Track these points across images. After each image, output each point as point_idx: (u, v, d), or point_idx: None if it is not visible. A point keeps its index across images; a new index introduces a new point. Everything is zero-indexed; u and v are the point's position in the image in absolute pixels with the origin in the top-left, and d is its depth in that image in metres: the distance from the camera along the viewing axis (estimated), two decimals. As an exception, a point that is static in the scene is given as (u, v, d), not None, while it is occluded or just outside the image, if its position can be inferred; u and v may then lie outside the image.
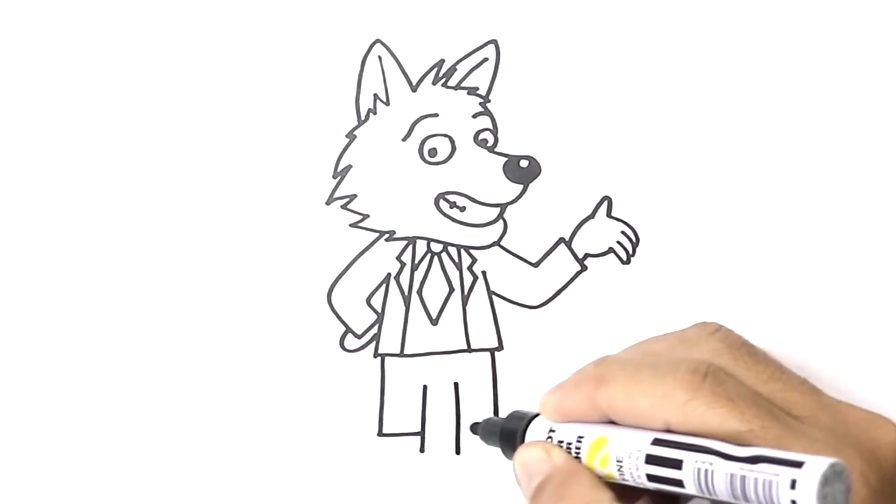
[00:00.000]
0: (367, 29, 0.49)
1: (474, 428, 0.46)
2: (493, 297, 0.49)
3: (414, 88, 0.49)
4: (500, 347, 0.48)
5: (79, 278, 0.48)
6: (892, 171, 0.49)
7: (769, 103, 0.49)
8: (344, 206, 0.49)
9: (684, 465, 0.34)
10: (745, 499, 0.32)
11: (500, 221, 0.49)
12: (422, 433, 0.48)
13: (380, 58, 0.49)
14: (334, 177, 0.49)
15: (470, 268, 0.49)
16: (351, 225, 0.49)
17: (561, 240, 0.49)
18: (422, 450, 0.48)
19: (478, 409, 0.48)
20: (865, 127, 0.49)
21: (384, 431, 0.48)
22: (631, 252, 0.48)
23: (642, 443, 0.35)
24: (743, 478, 0.32)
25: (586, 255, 0.48)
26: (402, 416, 0.48)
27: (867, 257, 0.48)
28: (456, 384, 0.48)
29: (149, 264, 0.48)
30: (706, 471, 0.33)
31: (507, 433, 0.41)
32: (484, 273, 0.49)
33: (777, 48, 0.49)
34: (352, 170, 0.49)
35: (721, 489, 0.33)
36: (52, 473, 0.48)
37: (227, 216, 0.48)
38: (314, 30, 0.49)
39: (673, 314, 0.48)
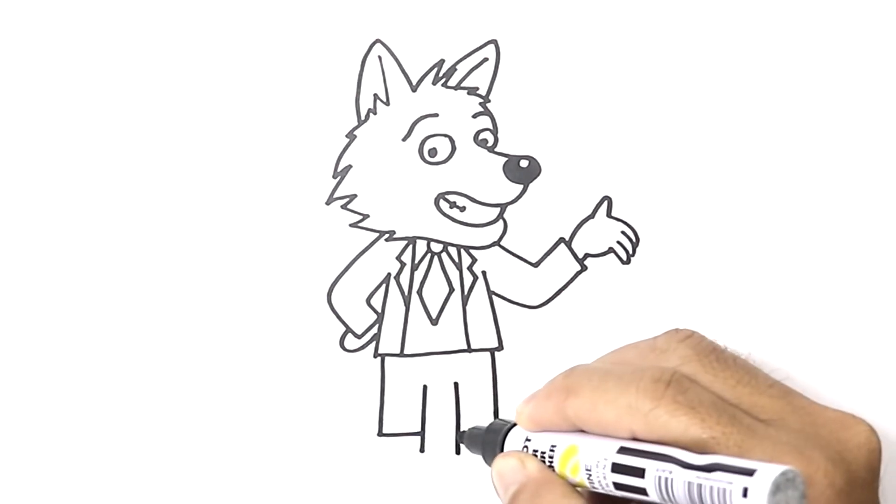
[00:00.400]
0: (367, 29, 0.49)
1: (460, 437, 0.46)
2: (493, 297, 0.49)
3: (414, 88, 0.49)
4: (500, 347, 0.48)
5: (79, 278, 0.48)
6: (892, 172, 0.48)
7: (769, 103, 0.49)
8: (344, 206, 0.49)
9: (646, 474, 0.34)
10: None
11: (500, 221, 0.49)
12: (422, 433, 0.48)
13: (380, 58, 0.49)
14: (334, 177, 0.49)
15: (470, 268, 0.49)
16: (351, 225, 0.49)
17: (561, 240, 0.49)
18: (422, 450, 0.48)
19: (478, 409, 0.48)
20: (865, 127, 0.49)
21: (384, 431, 0.48)
22: (631, 252, 0.48)
23: (608, 451, 0.36)
24: (699, 486, 0.32)
25: (586, 255, 0.48)
26: (402, 416, 0.48)
27: (868, 256, 0.48)
28: (456, 384, 0.48)
29: (149, 264, 0.48)
30: (666, 479, 0.33)
31: (488, 442, 0.42)
32: (484, 273, 0.49)
33: (777, 48, 0.49)
34: (352, 170, 0.49)
35: (680, 497, 0.33)
36: (52, 473, 0.48)
37: (228, 216, 0.48)
38: (314, 30, 0.49)
39: (673, 314, 0.48)
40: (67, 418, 0.48)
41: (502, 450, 0.41)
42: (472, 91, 0.49)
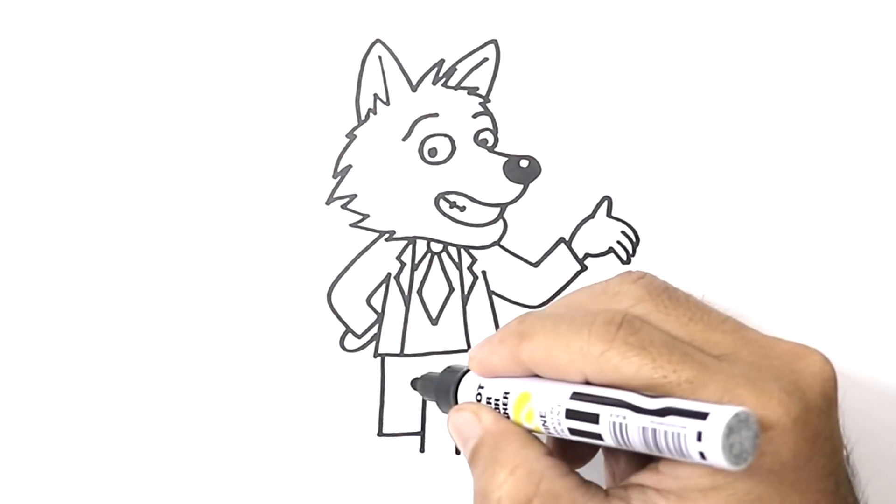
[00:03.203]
0: (367, 29, 0.49)
1: (414, 383, 0.45)
2: (493, 297, 0.49)
3: (414, 88, 0.49)
4: (500, 347, 0.48)
5: (79, 278, 0.48)
6: (892, 172, 0.49)
7: (769, 103, 0.49)
8: (344, 206, 0.49)
9: (601, 420, 0.33)
10: (659, 450, 0.32)
11: (500, 221, 0.49)
12: (422, 433, 0.48)
13: (380, 58, 0.49)
14: (334, 177, 0.49)
15: (470, 268, 0.49)
16: (351, 225, 0.49)
17: (561, 240, 0.49)
18: (422, 450, 0.48)
19: (478, 409, 0.48)
20: (865, 127, 0.49)
21: (384, 431, 0.48)
22: (631, 252, 0.48)
23: (562, 397, 0.35)
24: (654, 430, 0.32)
25: (586, 255, 0.48)
26: (402, 416, 0.48)
27: (868, 256, 0.48)
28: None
29: (149, 264, 0.48)
30: (620, 424, 0.33)
31: (441, 389, 0.42)
32: (484, 273, 0.49)
33: (777, 48, 0.49)
34: (352, 170, 0.49)
35: (635, 442, 0.32)
36: (52, 473, 0.48)
37: (228, 216, 0.48)
38: (314, 30, 0.49)
39: (673, 314, 0.48)
40: (68, 418, 0.48)
41: (456, 396, 0.41)
42: (472, 91, 0.49)
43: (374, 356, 0.48)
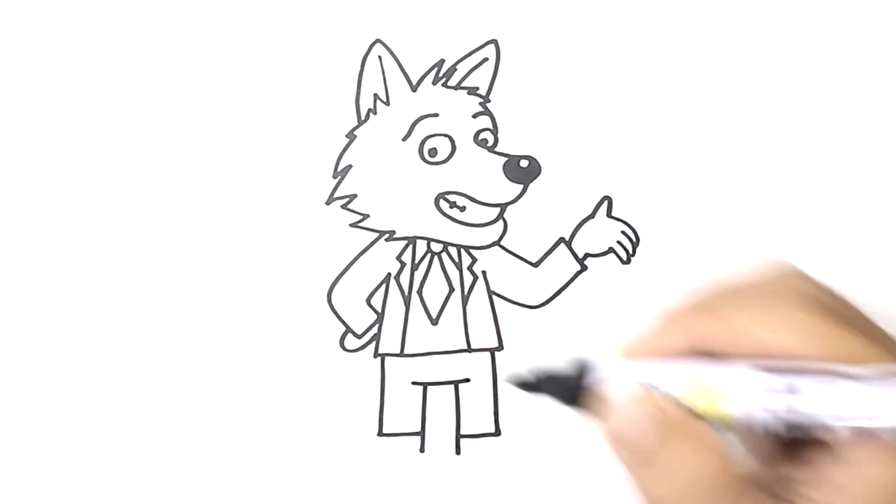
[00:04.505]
0: (367, 29, 0.49)
1: (529, 385, 0.36)
2: (493, 297, 0.49)
3: (414, 88, 0.49)
4: (500, 347, 0.48)
5: (79, 278, 0.48)
6: (893, 172, 0.49)
7: (769, 103, 0.49)
8: (344, 206, 0.49)
9: (820, 413, 0.31)
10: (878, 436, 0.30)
11: (500, 221, 0.49)
12: (422, 433, 0.48)
13: (380, 58, 0.49)
14: (334, 177, 0.49)
15: (470, 268, 0.49)
16: (351, 225, 0.49)
17: (561, 240, 0.49)
18: (422, 450, 0.48)
19: (478, 409, 0.48)
20: (865, 127, 0.49)
21: (384, 431, 0.48)
22: (631, 252, 0.48)
23: (771, 390, 0.31)
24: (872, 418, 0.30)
25: (586, 255, 0.48)
26: (402, 416, 0.48)
27: (868, 256, 0.48)
28: (456, 384, 0.48)
29: (149, 264, 0.48)
30: (839, 415, 0.30)
31: (570, 385, 0.35)
32: (484, 273, 0.49)
33: (777, 48, 0.49)
34: (352, 170, 0.49)
35: (853, 429, 0.30)
36: (52, 473, 0.48)
37: (228, 216, 0.48)
38: (314, 30, 0.49)
39: (673, 314, 0.47)
40: (68, 418, 0.48)
41: (596, 392, 0.34)
42: (472, 91, 0.49)
43: (374, 356, 0.48)
